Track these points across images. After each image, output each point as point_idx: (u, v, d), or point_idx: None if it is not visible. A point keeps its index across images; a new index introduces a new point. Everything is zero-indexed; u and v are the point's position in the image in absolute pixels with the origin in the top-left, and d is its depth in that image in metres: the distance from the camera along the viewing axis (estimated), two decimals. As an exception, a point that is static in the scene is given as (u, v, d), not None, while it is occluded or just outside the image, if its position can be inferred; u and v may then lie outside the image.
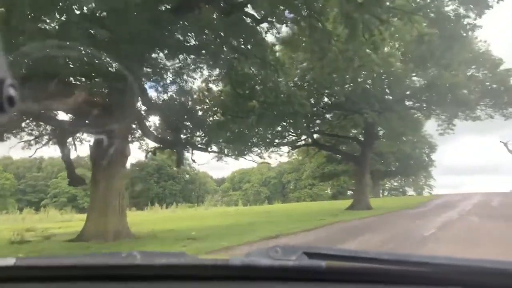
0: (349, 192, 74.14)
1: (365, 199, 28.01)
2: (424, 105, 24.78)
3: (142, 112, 17.85)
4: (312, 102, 25.21)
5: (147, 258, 1.50)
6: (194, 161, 22.86)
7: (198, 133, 21.76)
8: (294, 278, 1.31)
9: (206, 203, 70.62)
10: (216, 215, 31.01)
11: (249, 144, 27.22)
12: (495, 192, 46.96)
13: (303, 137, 29.90)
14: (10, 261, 1.41)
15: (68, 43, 10.74)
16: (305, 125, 25.50)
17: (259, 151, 30.33)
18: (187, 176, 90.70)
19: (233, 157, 27.16)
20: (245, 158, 28.87)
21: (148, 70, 18.52)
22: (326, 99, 26.63)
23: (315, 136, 30.07)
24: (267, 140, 28.27)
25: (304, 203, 58.83)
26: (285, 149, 32.51)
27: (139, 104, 18.61)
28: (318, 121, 28.76)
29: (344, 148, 32.85)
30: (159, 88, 19.28)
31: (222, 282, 1.36)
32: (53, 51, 10.61)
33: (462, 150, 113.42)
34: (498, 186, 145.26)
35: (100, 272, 1.44)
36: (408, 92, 23.77)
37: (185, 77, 20.63)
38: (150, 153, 20.19)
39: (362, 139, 29.33)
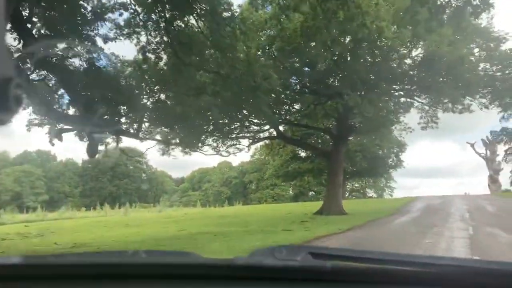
0: (311, 193, 70.23)
1: (337, 202, 22.83)
2: (415, 87, 19.79)
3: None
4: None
5: (153, 257, 1.51)
6: (122, 151, 16.96)
7: (128, 115, 15.96)
8: (299, 279, 1.27)
9: (162, 204, 64.55)
10: (161, 221, 25.08)
11: (205, 134, 21.66)
12: (470, 194, 43.78)
13: (267, 127, 24.41)
14: (14, 260, 1.40)
15: None
16: (269, 110, 20.16)
17: (215, 144, 24.76)
18: (144, 175, 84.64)
19: (180, 149, 21.38)
20: (197, 151, 23.20)
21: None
22: (295, 80, 21.22)
23: (281, 128, 24.62)
24: (224, 129, 22.73)
25: (266, 205, 53.76)
26: (246, 143, 26.99)
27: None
28: (285, 108, 23.33)
29: (313, 142, 27.25)
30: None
31: (227, 282, 1.31)
32: None
33: (417, 153, 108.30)
34: (453, 189, 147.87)
35: (106, 270, 1.39)
36: (396, 70, 18.64)
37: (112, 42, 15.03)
38: (56, 138, 14.20)
39: (336, 131, 24.03)
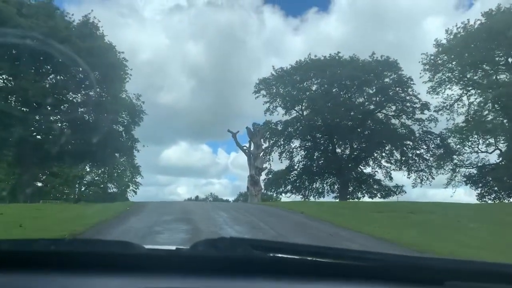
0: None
1: None
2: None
3: None
4: None
5: (91, 246, 1.37)
6: None
7: None
8: (239, 269, 1.22)
9: None
10: None
11: None
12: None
13: None
14: None
15: None
16: None
17: None
18: None
19: None
20: None
21: None
22: None
23: None
24: None
25: None
26: None
27: None
28: None
29: None
30: None
31: (168, 272, 1.20)
32: None
33: (175, 152, 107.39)
34: (200, 189, 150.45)
35: (42, 259, 1.23)
36: None
37: None
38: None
39: None
